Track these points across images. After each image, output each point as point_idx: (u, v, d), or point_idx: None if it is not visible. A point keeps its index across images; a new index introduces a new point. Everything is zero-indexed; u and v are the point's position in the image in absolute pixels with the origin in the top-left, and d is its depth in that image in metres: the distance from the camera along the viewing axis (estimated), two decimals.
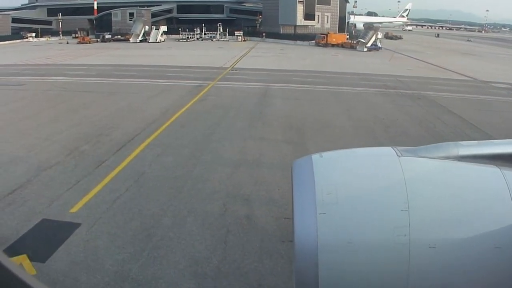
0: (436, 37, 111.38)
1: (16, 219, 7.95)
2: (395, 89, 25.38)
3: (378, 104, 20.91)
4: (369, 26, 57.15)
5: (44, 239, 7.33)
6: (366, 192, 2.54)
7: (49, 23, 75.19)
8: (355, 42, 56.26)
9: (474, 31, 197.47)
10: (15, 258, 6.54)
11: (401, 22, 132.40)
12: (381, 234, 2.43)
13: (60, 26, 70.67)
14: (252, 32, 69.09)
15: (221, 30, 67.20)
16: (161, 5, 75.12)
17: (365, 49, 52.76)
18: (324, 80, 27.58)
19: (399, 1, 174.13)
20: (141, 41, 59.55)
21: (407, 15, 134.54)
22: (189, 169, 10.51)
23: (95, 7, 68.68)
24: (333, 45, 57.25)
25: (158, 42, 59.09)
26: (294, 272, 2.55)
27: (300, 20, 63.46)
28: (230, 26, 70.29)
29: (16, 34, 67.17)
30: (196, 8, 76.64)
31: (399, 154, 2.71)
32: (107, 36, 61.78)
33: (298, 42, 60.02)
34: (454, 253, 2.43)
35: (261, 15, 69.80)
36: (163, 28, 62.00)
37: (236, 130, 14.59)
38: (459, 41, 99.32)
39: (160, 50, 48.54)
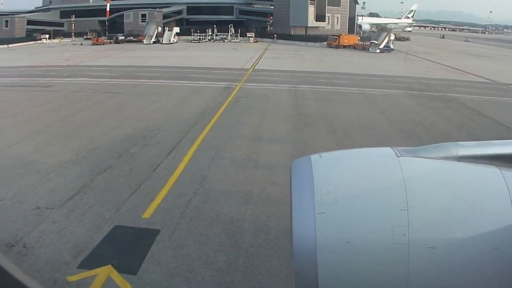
0: (441, 38, 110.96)
1: (85, 226, 7.68)
2: (421, 91, 25.17)
3: (410, 106, 20.69)
4: (382, 28, 57.01)
5: (125, 247, 7.06)
6: (365, 192, 2.52)
7: (61, 25, 75.86)
8: (367, 43, 56.00)
9: (478, 32, 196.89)
10: (99, 270, 6.29)
11: (406, 24, 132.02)
12: (380, 234, 2.41)
13: (73, 27, 70.93)
14: (262, 33, 68.87)
15: (233, 32, 66.99)
16: (171, 6, 75.19)
17: (378, 51, 52.54)
18: (348, 81, 27.33)
19: (402, 2, 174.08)
20: (154, 42, 59.47)
21: (412, 16, 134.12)
22: (251, 172, 10.27)
23: (108, 9, 68.63)
24: (344, 47, 57.03)
25: (171, 43, 59.01)
26: (293, 272, 2.53)
27: (311, 21, 63.34)
28: (240, 27, 70.20)
29: (29, 36, 67.54)
30: (206, 10, 76.68)
31: (398, 154, 2.69)
32: (120, 38, 61.80)
33: (310, 43, 59.74)
34: (453, 253, 2.41)
35: (272, 16, 69.57)
36: (176, 29, 61.93)
37: (282, 132, 14.36)
38: (465, 42, 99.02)
39: (175, 51, 48.40)
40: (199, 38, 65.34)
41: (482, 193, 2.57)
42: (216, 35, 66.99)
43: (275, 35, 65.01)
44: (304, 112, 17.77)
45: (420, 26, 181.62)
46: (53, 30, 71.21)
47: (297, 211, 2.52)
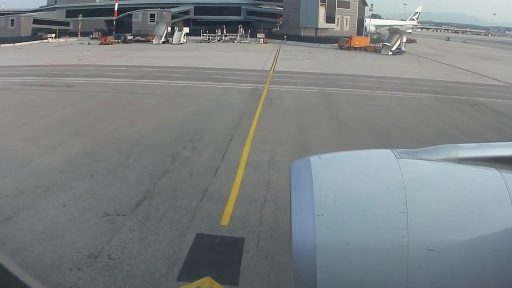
0: (446, 40, 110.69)
1: (167, 235, 7.37)
2: (446, 95, 24.97)
3: (440, 110, 20.52)
4: (394, 30, 56.76)
5: (216, 257, 6.77)
6: (364, 194, 2.52)
7: (67, 24, 75.54)
8: (379, 45, 55.85)
9: (480, 34, 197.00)
10: (200, 282, 6.01)
11: (411, 25, 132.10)
12: (379, 236, 2.40)
13: (80, 27, 70.57)
14: (271, 34, 68.60)
15: (242, 32, 66.72)
16: (178, 6, 74.87)
17: (390, 53, 52.37)
18: (372, 84, 27.08)
19: (405, 4, 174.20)
20: (163, 42, 59.12)
21: (417, 18, 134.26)
22: None
23: (116, 9, 68.25)
24: (355, 48, 56.85)
25: (181, 43, 58.68)
26: (292, 273, 2.52)
27: (321, 22, 63.17)
28: (247, 28, 69.92)
29: (35, 35, 67.16)
30: (213, 10, 76.44)
31: (398, 156, 2.69)
32: (129, 37, 61.42)
33: (321, 45, 59.48)
34: (453, 256, 2.41)
35: (282, 17, 69.37)
36: (186, 29, 61.59)
37: (327, 137, 14.08)
38: (471, 44, 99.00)
39: (187, 51, 48.13)
40: (208, 39, 64.99)
41: (482, 195, 2.55)
42: (225, 36, 66.63)
43: (285, 36, 64.69)
44: (341, 116, 17.51)
45: (422, 28, 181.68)
46: (58, 29, 70.88)
47: (297, 213, 2.50)
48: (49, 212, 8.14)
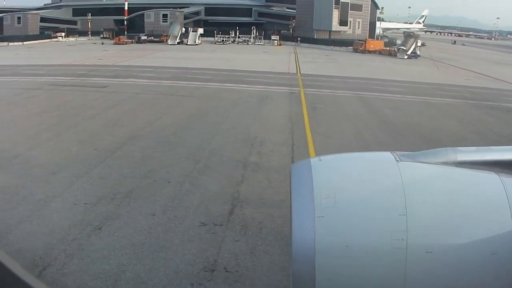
0: (452, 44, 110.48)
1: (275, 245, 7.19)
2: (477, 101, 24.83)
3: (480, 116, 20.40)
4: (409, 34, 56.58)
5: None
6: (364, 196, 2.52)
7: (74, 23, 74.80)
8: (393, 49, 55.71)
9: (483, 38, 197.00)
10: None
11: (417, 29, 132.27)
12: (379, 238, 2.41)
13: (89, 26, 70.17)
14: (284, 36, 68.36)
15: (255, 34, 66.51)
16: (188, 7, 74.59)
17: (405, 57, 52.21)
18: (403, 89, 26.83)
19: (409, 7, 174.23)
20: (178, 43, 58.85)
21: (423, 21, 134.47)
22: None
23: (126, 8, 67.91)
24: (369, 52, 56.69)
25: (196, 44, 58.43)
26: (291, 274, 2.52)
27: (335, 25, 63.00)
28: (258, 30, 69.65)
29: (44, 34, 66.64)
30: (224, 11, 76.13)
31: (398, 159, 2.69)
32: (143, 37, 61.10)
33: (335, 48, 59.30)
34: (451, 259, 2.41)
35: (295, 19, 69.22)
36: (200, 30, 61.36)
37: (383, 142, 13.89)
38: (478, 48, 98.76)
39: (205, 53, 47.95)
40: (222, 40, 64.77)
41: (480, 199, 2.56)
42: (238, 37, 66.43)
43: (298, 39, 64.50)
44: (387, 121, 17.43)
45: (426, 31, 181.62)
46: (66, 28, 70.34)
47: (297, 214, 2.51)
48: (140, 222, 7.93)
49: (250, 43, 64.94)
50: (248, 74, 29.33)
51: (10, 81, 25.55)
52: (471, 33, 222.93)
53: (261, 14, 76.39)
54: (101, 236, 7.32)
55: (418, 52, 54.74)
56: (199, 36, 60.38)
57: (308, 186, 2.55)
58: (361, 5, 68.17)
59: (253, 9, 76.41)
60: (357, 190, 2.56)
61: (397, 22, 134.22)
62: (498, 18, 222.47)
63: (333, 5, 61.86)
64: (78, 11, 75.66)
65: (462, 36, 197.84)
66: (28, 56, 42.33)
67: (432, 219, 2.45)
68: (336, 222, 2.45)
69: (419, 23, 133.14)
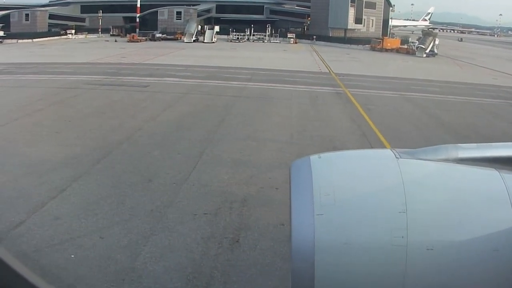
0: (459, 41, 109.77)
1: None
2: None
3: None
4: (427, 33, 56.39)
5: None
6: (364, 194, 2.52)
7: (83, 20, 74.15)
8: (411, 47, 55.49)
9: (486, 34, 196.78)
10: None
11: (423, 26, 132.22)
12: (379, 236, 2.40)
13: (100, 23, 69.54)
14: (299, 34, 67.98)
15: (269, 32, 66.11)
16: (199, 4, 74.05)
17: (424, 55, 51.98)
18: (440, 89, 26.44)
19: (412, 4, 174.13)
20: (194, 41, 58.36)
21: (429, 19, 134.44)
22: None
23: (138, 5, 67.25)
24: (386, 50, 56.41)
25: (213, 42, 57.99)
26: (290, 272, 2.53)
27: (351, 23, 62.73)
28: (270, 28, 69.19)
29: (53, 31, 65.96)
30: (235, 9, 75.60)
31: (398, 156, 2.68)
32: (158, 35, 60.54)
33: (352, 46, 58.91)
34: (452, 256, 2.41)
35: (310, 18, 68.85)
36: (216, 28, 60.89)
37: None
38: (486, 46, 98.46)
39: (226, 51, 47.54)
40: (238, 38, 64.32)
41: (481, 196, 2.55)
42: (253, 35, 65.97)
43: (314, 37, 64.16)
44: (444, 122, 17.28)
45: (428, 28, 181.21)
46: (75, 25, 69.68)
47: (296, 212, 2.51)
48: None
49: (265, 41, 64.51)
50: (283, 74, 29.02)
51: (40, 80, 25.10)
52: (473, 29, 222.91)
53: (272, 12, 75.92)
54: (244, 249, 6.96)
55: (435, 51, 54.50)
56: (215, 34, 59.86)
57: (308, 183, 2.54)
58: (375, 3, 67.96)
59: (265, 6, 75.87)
60: (357, 187, 2.54)
61: (404, 20, 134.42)
62: (500, 15, 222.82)
63: (349, 3, 61.50)
64: (87, 8, 75.00)
65: (465, 32, 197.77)
66: (45, 54, 41.81)
67: (433, 216, 2.44)
68: (336, 220, 2.44)
69: (425, 20, 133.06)
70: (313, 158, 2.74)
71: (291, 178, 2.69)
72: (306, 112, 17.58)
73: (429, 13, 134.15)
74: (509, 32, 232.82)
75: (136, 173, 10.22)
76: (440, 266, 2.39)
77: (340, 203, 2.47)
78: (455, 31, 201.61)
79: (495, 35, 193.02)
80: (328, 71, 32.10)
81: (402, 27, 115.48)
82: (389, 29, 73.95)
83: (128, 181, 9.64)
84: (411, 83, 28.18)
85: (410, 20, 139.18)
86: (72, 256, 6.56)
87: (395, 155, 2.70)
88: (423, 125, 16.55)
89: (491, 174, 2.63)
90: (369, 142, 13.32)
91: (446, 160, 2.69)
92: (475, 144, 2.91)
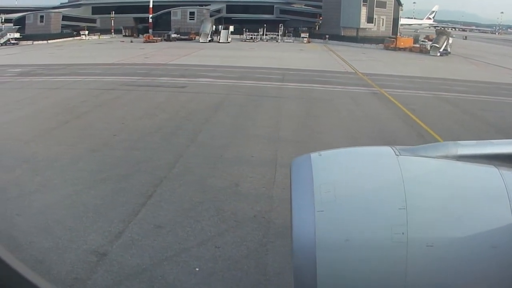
0: (464, 39, 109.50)
1: None
2: None
3: None
4: (441, 31, 56.61)
5: None
6: (364, 191, 2.55)
7: (94, 21, 74.39)
8: (424, 46, 55.74)
9: (487, 32, 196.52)
10: None
11: (427, 25, 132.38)
12: (379, 232, 2.42)
13: (112, 24, 69.83)
14: (311, 33, 68.12)
15: (285, 31, 66.28)
16: (210, 4, 74.21)
17: (438, 54, 52.20)
18: (467, 88, 26.55)
19: (414, 2, 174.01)
20: (209, 41, 58.56)
21: (433, 17, 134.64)
22: None
23: (151, 6, 67.39)
24: (399, 49, 56.62)
25: (229, 42, 58.20)
26: (292, 269, 2.55)
27: (363, 23, 62.95)
28: (279, 27, 69.33)
29: (67, 32, 66.17)
30: (245, 8, 75.72)
31: (398, 153, 2.70)
32: (173, 35, 60.78)
33: (365, 45, 59.14)
34: (452, 252, 2.43)
35: (321, 17, 69.05)
36: (231, 28, 61.08)
37: None
38: (490, 44, 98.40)
39: (246, 50, 47.90)
40: (252, 38, 64.54)
41: (480, 192, 2.57)
42: (266, 35, 66.18)
43: (327, 36, 64.40)
44: (490, 122, 17.47)
45: (436, 27, 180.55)
46: (86, 26, 69.92)
47: (297, 209, 2.52)
48: None
49: (279, 41, 64.72)
50: (312, 74, 29.34)
51: (74, 81, 25.39)
52: (473, 27, 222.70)
53: (282, 11, 76.07)
54: None
55: (449, 50, 54.74)
56: (229, 34, 60.10)
57: (308, 181, 2.56)
58: (385, 2, 68.13)
59: (275, 6, 76.01)
60: (357, 184, 2.57)
61: (408, 18, 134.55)
62: (502, 12, 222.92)
63: (362, 2, 61.71)
64: (97, 9, 75.34)
65: (466, 30, 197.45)
66: (66, 55, 42.02)
67: (432, 213, 2.46)
68: (336, 217, 2.46)
69: (429, 18, 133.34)
70: (314, 155, 2.78)
71: (292, 176, 2.72)
72: (353, 113, 17.87)
73: (433, 11, 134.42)
74: (509, 30, 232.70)
75: (219, 177, 10.11)
76: (440, 262, 2.42)
77: (340, 200, 2.49)
78: (456, 29, 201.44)
79: (496, 33, 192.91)
80: (353, 71, 32.37)
81: (407, 26, 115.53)
82: (398, 28, 74.17)
83: (215, 186, 9.55)
84: (438, 83, 28.43)
85: (412, 18, 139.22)
86: (197, 269, 6.29)
87: (394, 152, 2.72)
88: (470, 125, 16.77)
89: (490, 171, 2.64)
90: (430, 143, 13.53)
91: (446, 157, 2.71)
92: (475, 141, 2.92)
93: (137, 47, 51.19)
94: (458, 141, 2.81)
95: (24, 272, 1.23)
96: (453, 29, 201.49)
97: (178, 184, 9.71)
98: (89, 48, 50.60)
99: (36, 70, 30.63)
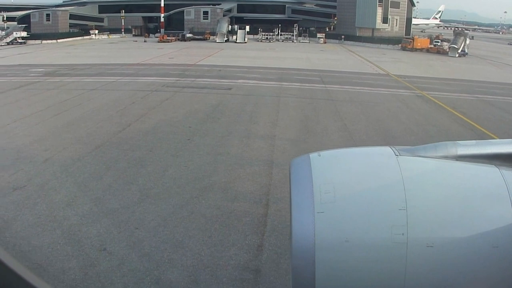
0: (471, 39, 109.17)
1: None
2: None
3: None
4: (458, 32, 56.59)
5: None
6: (364, 191, 2.52)
7: (101, 20, 73.88)
8: (441, 47, 55.70)
9: (490, 32, 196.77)
10: None
11: (434, 24, 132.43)
12: (379, 233, 2.41)
13: (123, 23, 69.47)
14: (326, 34, 68.05)
15: (301, 31, 66.20)
16: (220, 4, 74.01)
17: (457, 55, 52.19)
18: (504, 91, 26.75)
19: (417, 2, 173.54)
20: (225, 41, 58.40)
21: (440, 17, 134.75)
22: None
23: (162, 5, 67.11)
24: (416, 50, 56.56)
25: (245, 42, 58.06)
26: (291, 269, 2.54)
27: (379, 23, 62.95)
28: (291, 27, 69.26)
29: (75, 31, 65.73)
30: (256, 8, 75.64)
31: (397, 154, 2.69)
32: (188, 35, 60.55)
33: (381, 45, 59.10)
34: (452, 253, 2.41)
35: (336, 17, 69.01)
36: (247, 28, 60.95)
37: None
38: (497, 43, 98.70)
39: (266, 51, 47.97)
40: (267, 38, 64.46)
41: (481, 192, 2.55)
42: (280, 35, 66.08)
43: (343, 36, 64.36)
44: None
45: (442, 27, 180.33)
46: (94, 25, 69.49)
47: (297, 210, 2.50)
48: None
49: (294, 41, 64.61)
50: (348, 75, 29.35)
51: (110, 82, 25.21)
52: (476, 27, 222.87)
53: (294, 11, 75.97)
54: None
55: (466, 50, 54.74)
56: (246, 34, 60.00)
57: (308, 181, 2.55)
58: (399, 2, 68.13)
59: (287, 6, 75.89)
60: (357, 185, 2.55)
61: (414, 18, 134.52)
62: (505, 12, 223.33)
63: (377, 3, 61.70)
64: (104, 8, 74.81)
65: (469, 30, 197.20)
66: (83, 55, 41.82)
67: (432, 213, 2.44)
68: (336, 217, 2.45)
69: (436, 18, 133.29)
70: (313, 156, 2.75)
71: (291, 176, 2.70)
72: (412, 117, 17.83)
73: (440, 11, 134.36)
74: (510, 28, 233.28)
75: None
76: (440, 262, 2.40)
77: (340, 200, 2.47)
78: (459, 29, 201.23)
79: (500, 32, 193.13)
80: (384, 73, 32.31)
81: (414, 25, 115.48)
82: (411, 28, 74.20)
83: None
84: (473, 85, 28.41)
85: (416, 18, 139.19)
86: None
87: (394, 152, 2.71)
88: None
89: (491, 170, 2.63)
90: None
91: (446, 157, 2.70)
92: (474, 141, 2.90)
93: (154, 47, 50.91)
94: (458, 141, 2.79)
95: (24, 274, 1.22)
96: (456, 28, 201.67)
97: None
98: (104, 48, 50.29)
99: (61, 70, 30.44)
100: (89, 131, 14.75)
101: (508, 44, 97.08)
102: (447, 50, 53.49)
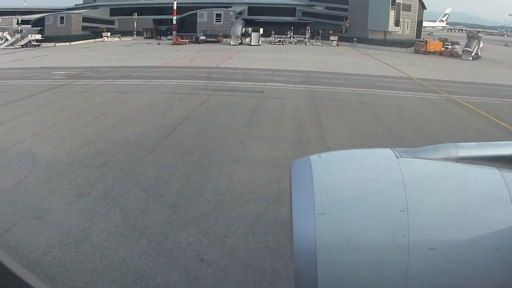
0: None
1: None
2: None
3: None
4: (472, 35, 56.76)
5: None
6: (365, 193, 2.53)
7: (112, 22, 74.28)
8: (455, 50, 55.87)
9: (494, 34, 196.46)
10: None
11: (440, 27, 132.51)
12: (380, 235, 2.41)
13: (135, 26, 69.84)
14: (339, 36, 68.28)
15: (314, 34, 66.45)
16: (231, 6, 74.30)
17: (470, 58, 52.31)
18: None
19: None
20: (239, 43, 58.65)
21: (446, 19, 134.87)
22: None
23: (175, 7, 67.42)
24: (429, 53, 56.70)
25: (259, 45, 58.32)
26: (293, 273, 2.55)
27: (391, 26, 63.15)
28: (301, 29, 69.48)
29: (87, 34, 66.11)
30: (267, 10, 75.90)
31: (398, 155, 2.69)
32: (202, 37, 60.83)
33: (394, 48, 59.29)
34: (453, 255, 2.41)
35: (348, 20, 69.25)
36: (260, 30, 61.24)
37: None
38: (503, 46, 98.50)
39: (283, 53, 48.08)
40: (280, 40, 64.73)
41: (482, 195, 2.55)
42: (293, 37, 66.34)
43: (355, 39, 64.59)
44: None
45: (448, 29, 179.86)
46: (105, 28, 69.88)
47: (297, 212, 2.51)
48: None
49: (307, 44, 64.84)
50: (371, 79, 29.55)
51: (139, 85, 25.36)
52: (479, 29, 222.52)
53: (305, 14, 76.22)
54: None
55: (479, 54, 54.87)
56: (259, 37, 60.28)
57: (308, 183, 2.56)
58: (410, 5, 68.35)
59: (297, 8, 76.16)
60: (358, 186, 2.56)
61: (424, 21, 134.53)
62: (510, 14, 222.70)
63: (390, 6, 61.90)
64: (116, 11, 75.27)
65: (474, 32, 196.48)
66: (101, 57, 41.92)
67: (434, 215, 2.45)
68: (337, 219, 2.45)
69: (442, 21, 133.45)
70: (313, 157, 2.76)
71: (292, 178, 2.71)
72: (450, 122, 18.00)
73: (446, 13, 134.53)
74: None
75: None
76: (441, 265, 2.40)
77: (341, 202, 2.48)
78: (463, 31, 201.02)
79: (505, 35, 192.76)
80: (406, 76, 32.46)
81: (473, 32, 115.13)
82: (422, 31, 74.34)
83: None
84: (495, 89, 28.57)
85: (437, 21, 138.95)
86: None
87: (395, 154, 2.71)
88: None
89: (492, 173, 2.63)
90: None
91: (447, 159, 2.69)
92: (476, 143, 2.90)
93: (169, 49, 51.12)
94: (459, 143, 2.80)
95: (23, 275, 1.22)
96: (460, 31, 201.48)
97: None
98: (120, 50, 50.50)
99: (84, 73, 30.58)
100: (136, 134, 14.85)
101: (505, 45, 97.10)
102: (460, 53, 53.65)
